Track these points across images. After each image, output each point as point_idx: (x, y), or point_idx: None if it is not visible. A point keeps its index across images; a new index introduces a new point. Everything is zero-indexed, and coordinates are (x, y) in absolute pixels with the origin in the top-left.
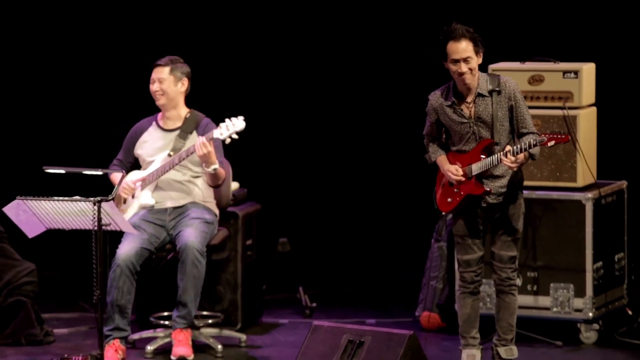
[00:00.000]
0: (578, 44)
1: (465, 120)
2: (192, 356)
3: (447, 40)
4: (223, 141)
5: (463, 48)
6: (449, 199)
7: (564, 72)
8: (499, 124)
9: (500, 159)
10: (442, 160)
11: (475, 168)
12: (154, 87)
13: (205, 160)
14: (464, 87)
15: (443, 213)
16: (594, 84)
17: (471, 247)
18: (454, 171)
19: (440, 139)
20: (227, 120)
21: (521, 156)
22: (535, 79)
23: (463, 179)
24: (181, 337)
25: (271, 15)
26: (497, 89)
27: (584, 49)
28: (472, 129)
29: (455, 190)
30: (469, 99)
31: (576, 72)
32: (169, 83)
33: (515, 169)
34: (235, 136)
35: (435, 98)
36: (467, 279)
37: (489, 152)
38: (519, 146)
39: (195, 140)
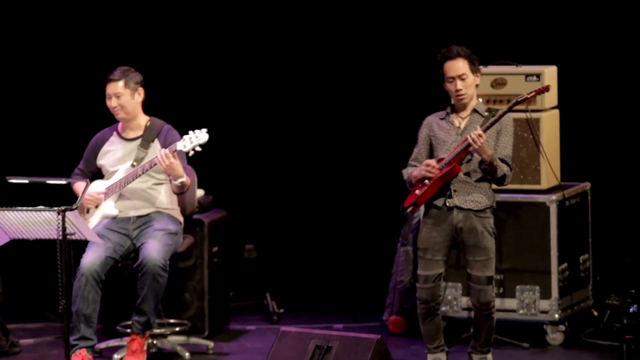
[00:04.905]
0: (540, 47)
1: (452, 129)
2: None
3: (444, 60)
4: (186, 153)
5: (459, 66)
6: (417, 191)
7: (527, 75)
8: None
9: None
10: (417, 169)
11: (449, 155)
12: (112, 103)
13: (169, 171)
14: (460, 105)
15: (408, 210)
16: (557, 87)
17: (430, 262)
18: (428, 166)
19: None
20: (190, 132)
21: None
22: (498, 83)
23: (438, 171)
24: (135, 346)
25: (233, 20)
26: (494, 114)
27: (546, 52)
28: (457, 139)
29: (426, 181)
30: (464, 113)
31: (538, 75)
32: (126, 97)
33: (477, 147)
34: (198, 149)
35: (432, 116)
36: (422, 298)
37: None
38: (492, 120)
39: (157, 148)
